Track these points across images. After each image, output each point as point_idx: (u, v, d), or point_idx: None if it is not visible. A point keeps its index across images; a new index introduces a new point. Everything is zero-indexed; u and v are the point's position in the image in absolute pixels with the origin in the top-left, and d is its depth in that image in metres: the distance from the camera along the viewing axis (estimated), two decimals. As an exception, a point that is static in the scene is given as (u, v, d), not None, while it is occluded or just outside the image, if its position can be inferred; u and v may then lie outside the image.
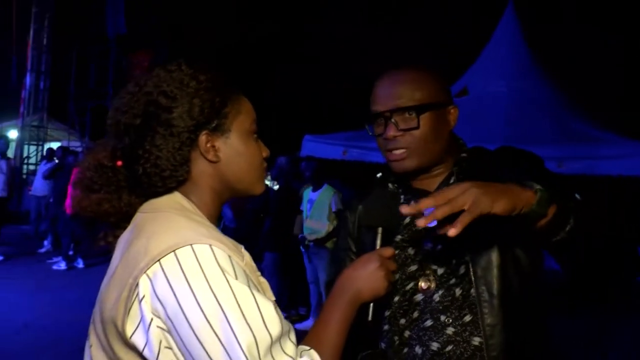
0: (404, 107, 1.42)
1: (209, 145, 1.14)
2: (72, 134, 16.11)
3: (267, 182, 8.25)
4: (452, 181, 1.50)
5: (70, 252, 8.77)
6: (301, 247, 5.89)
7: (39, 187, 10.72)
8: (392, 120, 1.43)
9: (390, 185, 1.59)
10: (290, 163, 6.21)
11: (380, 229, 1.34)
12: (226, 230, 6.19)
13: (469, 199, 1.15)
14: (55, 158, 10.57)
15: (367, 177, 1.73)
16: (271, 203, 6.25)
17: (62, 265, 8.50)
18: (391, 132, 1.44)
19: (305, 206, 5.93)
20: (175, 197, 1.14)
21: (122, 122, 1.13)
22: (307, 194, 5.97)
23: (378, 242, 1.33)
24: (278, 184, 6.31)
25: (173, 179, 1.12)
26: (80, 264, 8.64)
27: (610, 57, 12.24)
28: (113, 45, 15.50)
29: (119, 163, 1.16)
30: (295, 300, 6.08)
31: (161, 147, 1.10)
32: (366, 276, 1.22)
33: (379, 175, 1.66)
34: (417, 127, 1.42)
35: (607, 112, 8.63)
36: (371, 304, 1.26)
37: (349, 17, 14.93)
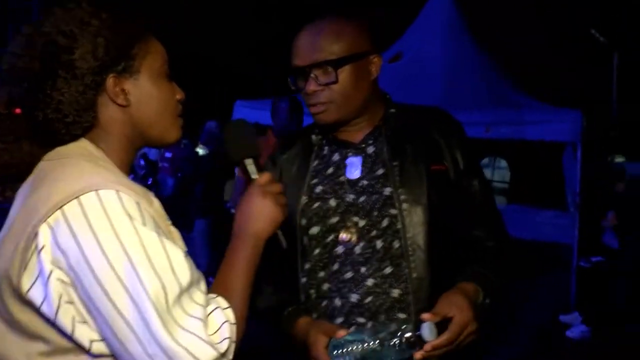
0: (321, 61, 1.40)
1: (117, 88, 1.07)
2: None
3: (199, 150, 8.09)
4: (381, 137, 1.49)
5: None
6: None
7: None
8: (312, 74, 1.41)
9: (313, 136, 1.57)
10: (220, 127, 6.10)
11: (250, 160, 1.25)
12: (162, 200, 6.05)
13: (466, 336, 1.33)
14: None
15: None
16: (201, 168, 6.13)
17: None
18: (311, 86, 1.42)
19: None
20: (82, 144, 1.07)
21: (18, 66, 1.04)
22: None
23: (253, 174, 1.24)
24: (207, 148, 6.19)
25: (77, 125, 1.05)
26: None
27: (537, 26, 12.64)
28: (35, 3, 14.54)
29: (17, 110, 1.08)
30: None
31: (63, 90, 1.02)
32: (256, 213, 1.17)
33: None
34: (336, 82, 1.41)
35: (531, 78, 8.95)
36: (279, 232, 1.22)
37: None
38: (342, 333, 1.30)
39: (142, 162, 8.68)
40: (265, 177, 1.23)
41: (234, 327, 1.01)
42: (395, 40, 7.76)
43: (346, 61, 1.41)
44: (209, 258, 5.51)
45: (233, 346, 0.99)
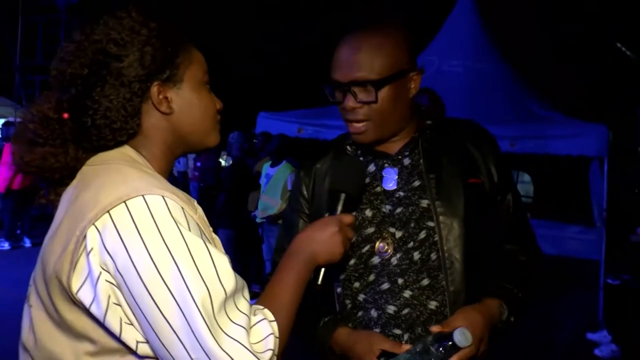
0: (362, 80, 1.38)
1: (161, 96, 1.09)
2: (18, 110, 15.31)
3: (221, 160, 8.12)
4: (417, 149, 1.48)
5: (18, 231, 8.47)
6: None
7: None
8: (351, 91, 1.40)
9: (348, 147, 1.56)
10: (240, 138, 6.14)
11: (343, 195, 1.33)
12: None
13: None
14: (-1, 133, 10.14)
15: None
16: (224, 179, 6.16)
17: (6, 245, 8.20)
18: (350, 103, 1.41)
19: (262, 180, 5.88)
20: (125, 150, 1.09)
21: (67, 72, 1.07)
22: (265, 168, 5.91)
23: (339, 207, 1.33)
24: (232, 159, 6.23)
25: (124, 132, 1.07)
26: (27, 242, 8.36)
27: (564, 40, 12.55)
28: (63, 15, 14.78)
29: (65, 115, 1.09)
30: (248, 278, 6.05)
31: (111, 97, 1.05)
32: (324, 239, 1.21)
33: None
34: (375, 102, 1.39)
35: (557, 92, 8.86)
36: (322, 269, 1.25)
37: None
38: (404, 347, 1.31)
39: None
40: (350, 218, 1.28)
41: (277, 341, 1.01)
42: (418, 53, 7.75)
43: (386, 82, 1.38)
44: (232, 268, 5.52)
45: (274, 359, 1.00)
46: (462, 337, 1.24)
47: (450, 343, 1.25)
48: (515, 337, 1.45)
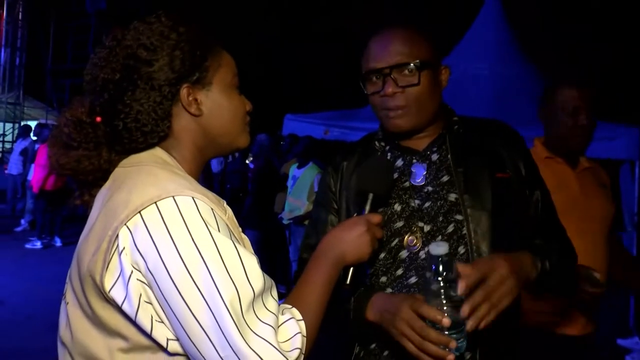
0: (404, 62, 1.41)
1: (190, 98, 1.11)
2: (50, 112, 15.70)
3: (249, 162, 8.16)
4: (444, 145, 1.49)
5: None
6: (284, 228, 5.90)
7: (15, 165, 10.54)
8: (392, 76, 1.42)
9: (376, 143, 1.58)
10: (271, 140, 6.18)
11: (371, 195, 1.34)
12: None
13: (503, 293, 1.24)
14: (32, 135, 10.40)
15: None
16: (251, 180, 6.20)
17: (38, 244, 8.39)
18: (390, 88, 1.42)
19: (289, 182, 5.92)
20: (157, 152, 1.12)
21: (100, 77, 1.10)
22: (292, 169, 5.95)
23: (367, 207, 1.34)
24: (258, 161, 6.28)
25: (154, 134, 1.10)
26: (58, 242, 8.54)
27: (594, 43, 12.34)
28: (93, 20, 15.06)
29: (98, 119, 1.13)
30: (275, 279, 6.07)
31: (142, 101, 1.08)
32: (352, 239, 1.22)
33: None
34: (418, 84, 1.40)
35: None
36: (351, 268, 1.25)
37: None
38: (446, 321, 1.20)
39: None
40: (378, 218, 1.29)
41: (305, 340, 1.03)
42: (444, 56, 7.71)
43: (427, 65, 1.41)
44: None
45: (302, 358, 1.01)
46: (435, 245, 1.19)
47: (440, 268, 1.18)
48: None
